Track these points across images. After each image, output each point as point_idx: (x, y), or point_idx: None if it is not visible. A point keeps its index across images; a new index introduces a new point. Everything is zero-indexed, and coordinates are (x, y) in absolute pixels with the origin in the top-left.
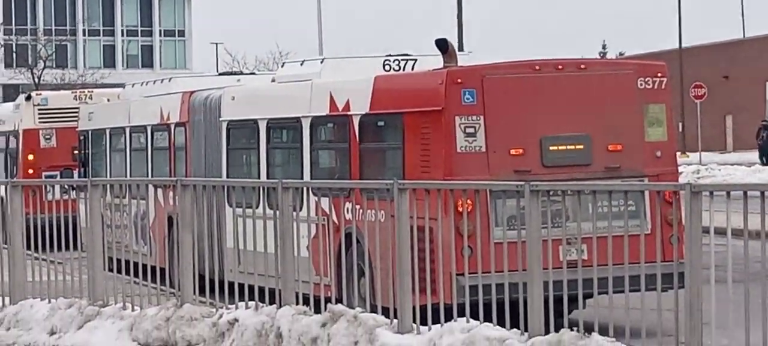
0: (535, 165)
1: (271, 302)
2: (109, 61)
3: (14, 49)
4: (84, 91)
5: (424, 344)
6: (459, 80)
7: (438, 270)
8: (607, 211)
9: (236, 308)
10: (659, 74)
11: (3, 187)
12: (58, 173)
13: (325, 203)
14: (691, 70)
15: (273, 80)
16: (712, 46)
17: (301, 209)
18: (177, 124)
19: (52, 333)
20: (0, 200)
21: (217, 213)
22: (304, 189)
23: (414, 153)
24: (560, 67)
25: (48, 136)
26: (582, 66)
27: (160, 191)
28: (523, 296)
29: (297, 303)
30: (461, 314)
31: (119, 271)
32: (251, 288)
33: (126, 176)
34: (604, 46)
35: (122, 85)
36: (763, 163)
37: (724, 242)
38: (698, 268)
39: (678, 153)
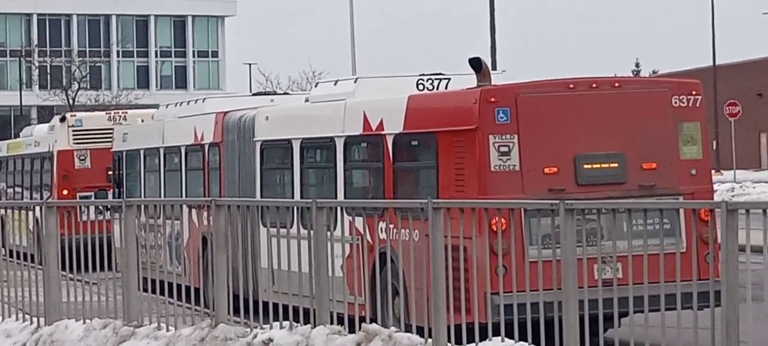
0: (570, 183)
1: (306, 322)
2: (143, 82)
3: (48, 71)
4: (118, 112)
5: None
6: (493, 99)
7: (472, 289)
8: (642, 229)
9: (271, 328)
10: (694, 92)
11: (38, 208)
12: (92, 193)
13: (359, 222)
14: (725, 87)
15: (307, 100)
16: (747, 64)
17: (335, 228)
18: (211, 145)
19: None
20: (35, 221)
21: (252, 233)
22: (338, 209)
23: (448, 172)
24: (594, 85)
25: (82, 157)
26: (616, 84)
27: (194, 211)
28: (558, 315)
29: (331, 323)
30: (496, 333)
31: (154, 291)
32: (286, 308)
33: (160, 197)
34: (637, 65)
35: (156, 106)
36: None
37: (761, 260)
38: (735, 286)
39: (712, 171)
